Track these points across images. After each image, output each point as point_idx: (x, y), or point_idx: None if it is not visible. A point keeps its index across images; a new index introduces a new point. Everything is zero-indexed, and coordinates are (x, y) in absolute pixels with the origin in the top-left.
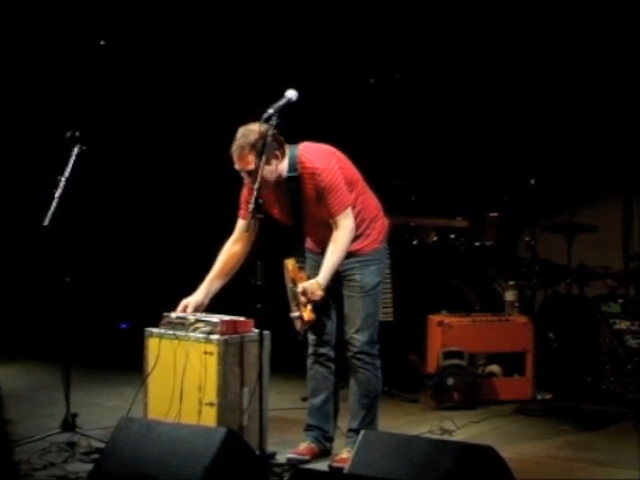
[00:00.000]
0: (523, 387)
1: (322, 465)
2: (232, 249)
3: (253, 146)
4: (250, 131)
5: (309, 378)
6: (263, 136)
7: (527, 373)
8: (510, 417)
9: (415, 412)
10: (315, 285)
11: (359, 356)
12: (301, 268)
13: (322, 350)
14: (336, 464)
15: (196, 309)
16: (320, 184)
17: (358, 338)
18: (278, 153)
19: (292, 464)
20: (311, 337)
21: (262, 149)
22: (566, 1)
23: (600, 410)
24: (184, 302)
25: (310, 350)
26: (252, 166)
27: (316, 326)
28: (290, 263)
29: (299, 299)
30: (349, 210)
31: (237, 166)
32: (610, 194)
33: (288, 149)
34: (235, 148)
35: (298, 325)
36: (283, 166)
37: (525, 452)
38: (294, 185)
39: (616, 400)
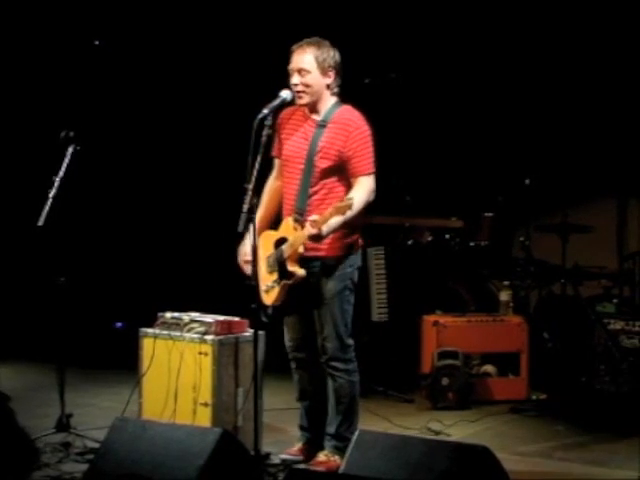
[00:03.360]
0: (518, 387)
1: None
2: (274, 185)
3: (318, 52)
4: (322, 41)
5: (295, 382)
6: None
7: (522, 373)
8: (505, 417)
9: (410, 412)
10: (322, 217)
11: (330, 363)
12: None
13: (300, 355)
14: (312, 467)
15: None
16: (353, 137)
17: (327, 345)
18: (334, 73)
19: (286, 464)
20: (287, 343)
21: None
22: (561, 4)
23: (594, 410)
24: (242, 251)
25: (289, 355)
26: (308, 65)
27: (284, 311)
28: (290, 219)
29: (289, 254)
30: (374, 177)
31: (292, 64)
32: (604, 194)
33: (335, 92)
34: (300, 44)
35: (272, 297)
36: (325, 98)
37: (519, 452)
38: (319, 133)
39: (610, 400)
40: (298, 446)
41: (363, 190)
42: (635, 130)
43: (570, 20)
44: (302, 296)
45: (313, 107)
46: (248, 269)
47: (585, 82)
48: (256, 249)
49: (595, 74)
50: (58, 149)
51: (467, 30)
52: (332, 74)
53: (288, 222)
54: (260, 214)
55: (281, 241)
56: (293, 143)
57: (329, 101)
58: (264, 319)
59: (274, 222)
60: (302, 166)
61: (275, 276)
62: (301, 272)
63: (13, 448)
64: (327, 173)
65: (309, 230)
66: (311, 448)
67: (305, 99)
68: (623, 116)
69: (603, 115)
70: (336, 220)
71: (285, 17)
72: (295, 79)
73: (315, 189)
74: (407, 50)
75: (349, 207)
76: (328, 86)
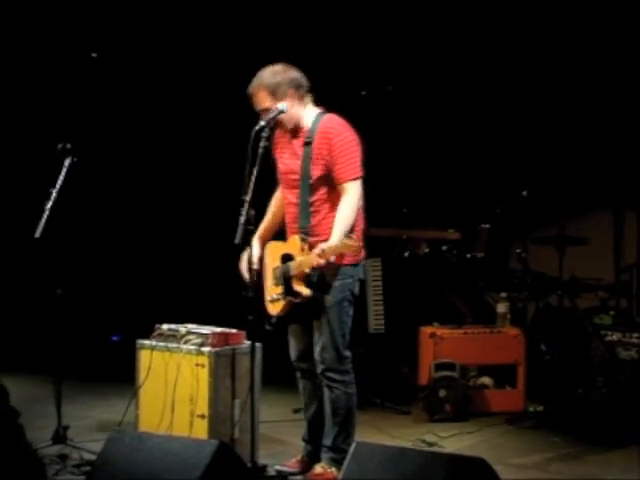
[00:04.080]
0: (514, 399)
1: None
2: (280, 195)
3: (266, 86)
4: (265, 71)
5: (300, 392)
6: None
7: (519, 385)
8: (501, 429)
9: (407, 424)
10: (330, 248)
11: (326, 374)
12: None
13: (303, 365)
14: (309, 479)
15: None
16: (334, 145)
17: (324, 356)
18: (293, 92)
19: (282, 476)
20: (291, 352)
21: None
22: (555, 15)
23: (591, 422)
24: (246, 259)
25: (294, 365)
26: (265, 105)
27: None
28: (297, 238)
29: (296, 274)
30: (360, 182)
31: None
32: (601, 206)
33: (309, 100)
34: (250, 87)
35: (277, 309)
36: (302, 114)
37: (516, 464)
38: (309, 150)
39: (607, 412)
40: (297, 458)
41: (350, 197)
42: (632, 142)
43: (567, 34)
44: (305, 306)
45: (297, 127)
46: (248, 277)
47: (582, 95)
48: (252, 259)
49: (592, 87)
50: (55, 161)
51: (465, 42)
52: (291, 93)
53: (295, 241)
54: (265, 224)
55: (287, 257)
56: (286, 163)
57: (310, 114)
58: (268, 327)
59: (278, 232)
60: (298, 183)
61: (280, 289)
62: (307, 292)
63: (22, 465)
64: (321, 185)
65: (317, 260)
66: (310, 461)
67: (285, 128)
68: (620, 129)
69: (600, 128)
70: (334, 240)
71: (282, 30)
72: (264, 119)
73: (313, 203)
74: (404, 62)
75: (359, 249)
76: (292, 96)
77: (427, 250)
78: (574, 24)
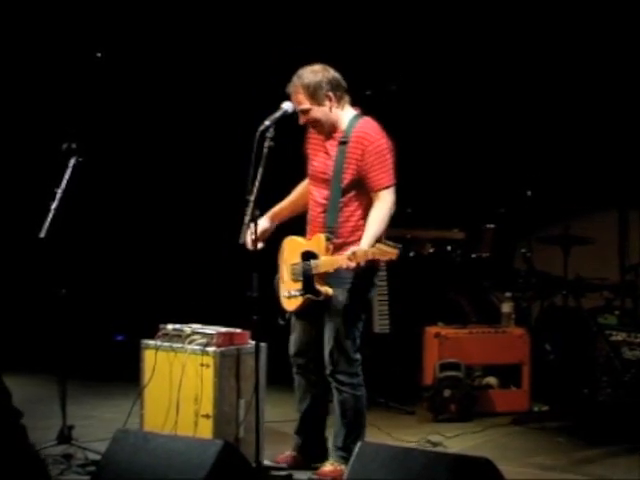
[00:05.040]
0: (519, 399)
1: (303, 475)
2: (304, 185)
3: (305, 86)
4: (306, 71)
5: (295, 387)
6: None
7: (523, 385)
8: (506, 429)
9: (411, 424)
10: (362, 251)
11: (336, 376)
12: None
13: (299, 361)
14: (316, 476)
15: (263, 234)
16: (368, 152)
17: (333, 358)
18: (332, 95)
19: (287, 475)
20: (290, 346)
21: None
22: (560, 13)
23: (596, 422)
24: (250, 231)
25: (291, 359)
26: (304, 106)
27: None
28: (323, 237)
29: (319, 273)
30: (393, 190)
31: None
32: (606, 206)
33: (347, 103)
34: (289, 85)
35: (293, 305)
36: (340, 115)
37: (521, 464)
38: (343, 150)
39: (612, 412)
40: (287, 453)
41: (384, 204)
42: (636, 142)
43: (570, 34)
44: (315, 305)
45: (333, 129)
46: (251, 244)
47: (586, 94)
48: (255, 245)
49: (596, 87)
50: (60, 161)
51: (469, 41)
52: (330, 95)
53: (320, 239)
54: (282, 205)
55: (309, 254)
56: (319, 162)
57: (346, 116)
58: (281, 322)
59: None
60: (328, 184)
61: (299, 285)
62: (330, 292)
63: (24, 466)
64: (351, 188)
65: (347, 262)
66: (299, 455)
67: (322, 130)
68: (624, 128)
69: (604, 127)
70: (366, 245)
71: (286, 30)
72: (302, 120)
73: (342, 205)
74: (408, 62)
75: (395, 256)
76: (330, 98)
77: (432, 250)
78: (580, 22)
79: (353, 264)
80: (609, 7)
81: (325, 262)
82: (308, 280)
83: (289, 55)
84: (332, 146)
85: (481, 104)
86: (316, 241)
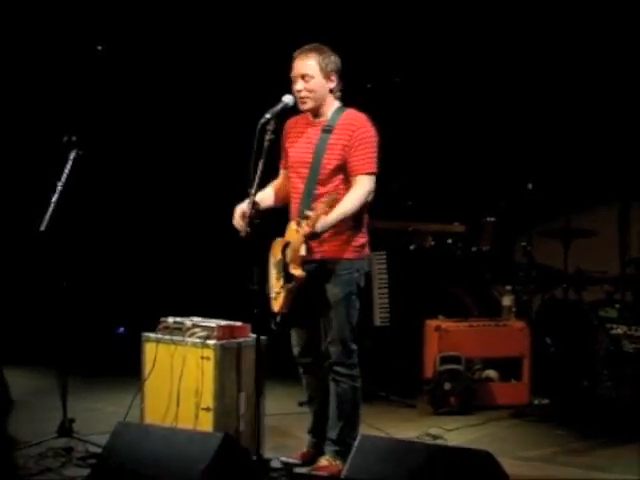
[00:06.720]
0: (520, 392)
1: (303, 470)
2: (279, 182)
3: (320, 57)
4: (322, 46)
5: (303, 386)
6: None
7: (524, 378)
8: (507, 422)
9: (412, 417)
10: (316, 214)
11: (335, 368)
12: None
13: (305, 360)
14: (314, 472)
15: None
16: (355, 136)
17: (332, 349)
18: (336, 78)
19: (287, 469)
20: (293, 347)
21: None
22: (562, 9)
23: (597, 415)
24: (240, 213)
25: (296, 360)
26: (307, 70)
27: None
28: (293, 223)
29: (291, 257)
30: (373, 178)
31: (294, 71)
32: (607, 199)
33: (338, 96)
34: (302, 50)
35: (278, 304)
36: (329, 102)
37: (521, 457)
38: (326, 138)
39: (613, 405)
40: (302, 450)
41: (361, 188)
42: (637, 135)
43: (572, 28)
44: (308, 300)
45: (317, 112)
46: (242, 227)
47: (587, 87)
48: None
49: (597, 80)
50: (60, 154)
51: (470, 34)
52: (335, 78)
53: (291, 226)
54: (264, 191)
55: (287, 246)
56: (298, 149)
57: (333, 105)
58: (273, 327)
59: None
60: (308, 171)
61: (282, 281)
62: (299, 272)
63: None
64: (333, 174)
65: (304, 229)
66: (315, 453)
67: (309, 104)
68: (625, 121)
69: (605, 120)
70: (331, 217)
71: (287, 22)
72: (299, 85)
73: (321, 192)
74: (410, 55)
75: (336, 200)
76: (331, 90)
77: (432, 243)
78: (581, 18)
79: (308, 229)
80: (609, 3)
81: (293, 245)
82: (285, 270)
83: (290, 47)
84: (313, 134)
85: (482, 97)
86: (289, 230)
